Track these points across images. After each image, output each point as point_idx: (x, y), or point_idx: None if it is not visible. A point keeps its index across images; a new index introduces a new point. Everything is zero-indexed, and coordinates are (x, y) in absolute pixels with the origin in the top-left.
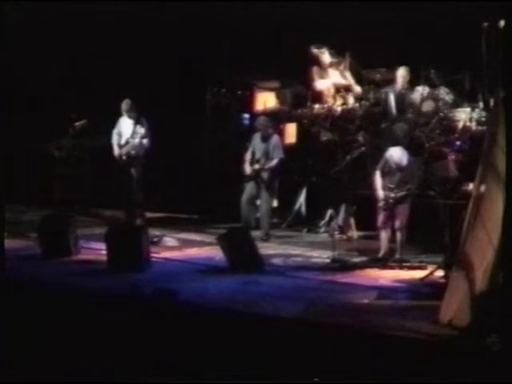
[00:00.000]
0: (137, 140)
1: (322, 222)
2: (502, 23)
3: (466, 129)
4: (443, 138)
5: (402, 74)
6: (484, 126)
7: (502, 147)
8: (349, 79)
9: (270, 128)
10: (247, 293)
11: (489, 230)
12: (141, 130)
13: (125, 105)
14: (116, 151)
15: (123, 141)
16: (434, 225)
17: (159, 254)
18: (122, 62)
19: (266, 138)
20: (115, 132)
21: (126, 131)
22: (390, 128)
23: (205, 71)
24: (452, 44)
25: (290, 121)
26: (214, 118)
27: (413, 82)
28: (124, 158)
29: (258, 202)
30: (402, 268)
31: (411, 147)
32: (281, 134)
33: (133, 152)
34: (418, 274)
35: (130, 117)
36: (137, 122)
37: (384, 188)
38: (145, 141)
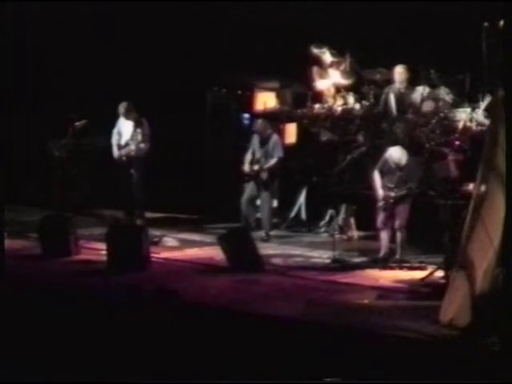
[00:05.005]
0: (136, 144)
1: (322, 222)
2: (502, 23)
3: (466, 129)
4: (443, 138)
5: (398, 70)
6: (484, 126)
7: (503, 147)
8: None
9: (268, 130)
10: (247, 293)
11: (489, 230)
12: (140, 137)
13: (121, 108)
14: (115, 152)
15: (123, 141)
16: (434, 225)
17: (159, 254)
18: (123, 61)
19: (265, 140)
20: (115, 132)
21: (126, 132)
22: (390, 128)
23: (205, 71)
24: (452, 44)
25: (290, 121)
26: (214, 118)
27: (413, 82)
28: (124, 158)
29: (258, 202)
30: (402, 268)
31: (411, 147)
32: (281, 133)
33: (132, 153)
34: (418, 274)
35: (128, 119)
36: (137, 124)
37: (384, 187)
38: (144, 144)
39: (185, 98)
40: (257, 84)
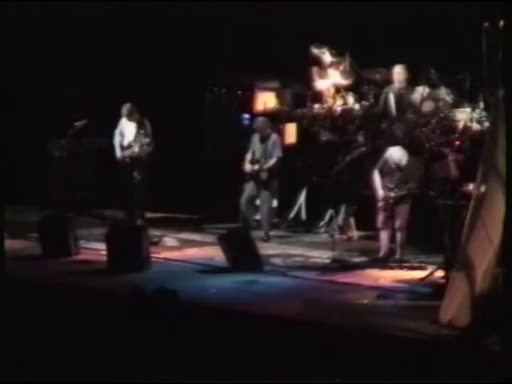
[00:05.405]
0: (139, 146)
1: (322, 222)
2: (502, 23)
3: (466, 129)
4: (443, 138)
5: (397, 70)
6: (484, 126)
7: (503, 147)
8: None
9: (268, 128)
10: (247, 293)
11: (489, 230)
12: (142, 138)
13: (125, 109)
14: (118, 153)
15: (126, 142)
16: (434, 225)
17: (159, 254)
18: (123, 61)
19: (264, 139)
20: (117, 132)
21: (129, 133)
22: (390, 128)
23: (205, 71)
24: (452, 44)
25: (290, 121)
26: (214, 118)
27: (413, 82)
28: (127, 160)
29: (258, 202)
30: (402, 268)
31: (411, 147)
32: (281, 133)
33: (135, 154)
34: (418, 274)
35: (130, 120)
36: (139, 125)
37: (383, 188)
38: (147, 146)
39: (185, 98)
40: (257, 84)
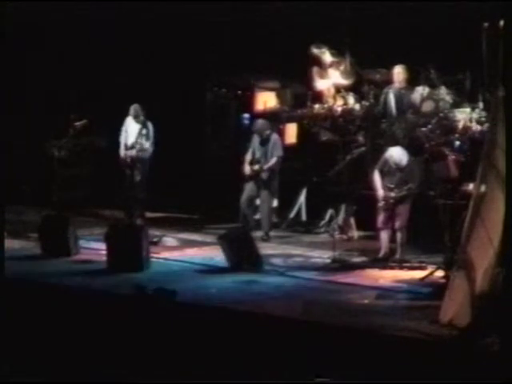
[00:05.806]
0: (140, 149)
1: (322, 222)
2: (502, 23)
3: (466, 129)
4: (443, 138)
5: (397, 70)
6: (484, 126)
7: (502, 147)
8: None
9: (267, 129)
10: (247, 293)
11: (489, 230)
12: (144, 140)
13: (132, 110)
14: (122, 151)
15: (130, 141)
16: (434, 225)
17: (159, 254)
18: (123, 61)
19: (265, 140)
20: (123, 130)
21: (132, 133)
22: (390, 128)
23: (205, 71)
24: (452, 44)
25: (290, 121)
26: (214, 118)
27: (413, 82)
28: (128, 160)
29: (258, 202)
30: (402, 268)
31: (411, 147)
32: (281, 134)
33: (134, 156)
34: (418, 274)
35: (135, 121)
36: (143, 127)
37: (384, 188)
38: (149, 147)
39: (185, 98)
40: (257, 84)
